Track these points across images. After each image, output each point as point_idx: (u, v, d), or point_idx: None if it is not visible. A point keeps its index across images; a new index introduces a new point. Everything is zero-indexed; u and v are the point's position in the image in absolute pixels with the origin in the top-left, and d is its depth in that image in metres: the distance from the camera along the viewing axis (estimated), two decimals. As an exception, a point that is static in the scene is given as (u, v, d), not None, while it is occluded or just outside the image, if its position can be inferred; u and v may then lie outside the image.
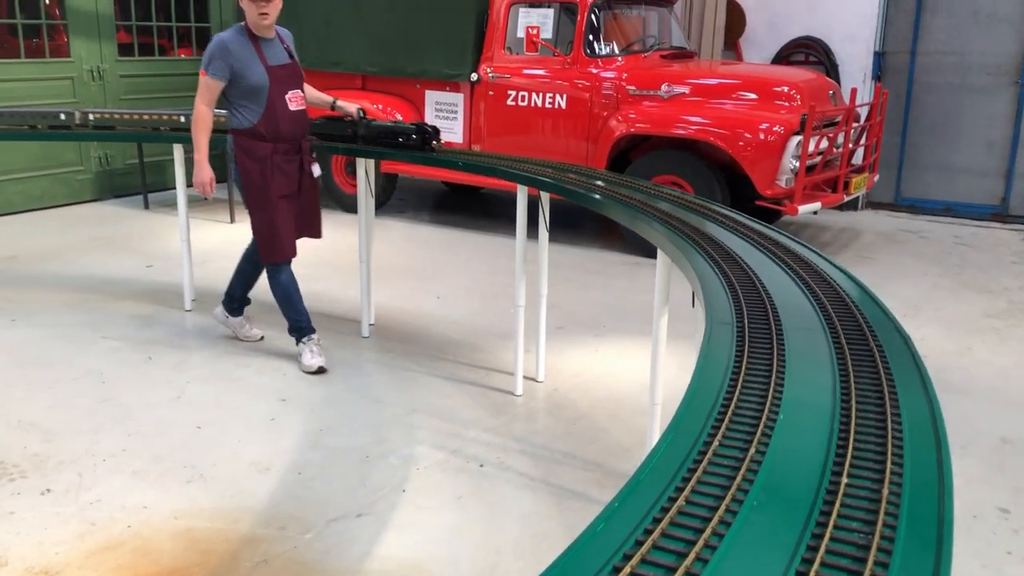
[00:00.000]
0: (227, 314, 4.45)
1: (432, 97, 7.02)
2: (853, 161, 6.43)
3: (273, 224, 3.97)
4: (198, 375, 4.08)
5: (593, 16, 6.36)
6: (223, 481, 3.11)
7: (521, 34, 6.51)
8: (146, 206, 7.54)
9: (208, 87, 3.86)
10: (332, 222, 7.13)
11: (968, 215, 7.66)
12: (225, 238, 6.59)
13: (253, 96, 3.85)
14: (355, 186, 4.76)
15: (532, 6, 6.54)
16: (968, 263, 6.24)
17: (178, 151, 4.84)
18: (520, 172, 3.73)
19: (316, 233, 4.24)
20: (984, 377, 4.19)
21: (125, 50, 7.84)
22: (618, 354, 4.45)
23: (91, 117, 5.01)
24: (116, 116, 5.11)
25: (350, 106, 4.35)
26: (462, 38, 6.71)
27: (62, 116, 5.01)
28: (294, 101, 3.94)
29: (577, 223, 7.15)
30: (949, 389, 4.04)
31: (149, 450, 3.32)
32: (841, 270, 2.20)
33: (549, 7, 6.48)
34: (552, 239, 4.11)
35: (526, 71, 6.54)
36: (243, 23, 3.88)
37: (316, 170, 4.13)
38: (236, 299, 4.41)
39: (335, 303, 5.09)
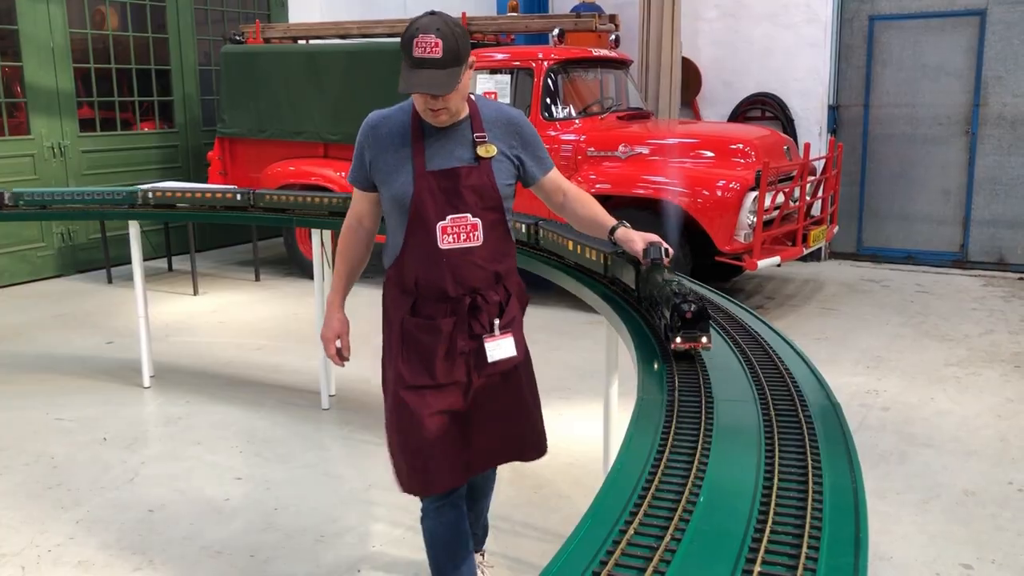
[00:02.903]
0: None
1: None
2: (811, 214, 6.51)
3: (392, 426, 2.43)
4: (153, 455, 3.99)
5: (549, 80, 6.45)
6: (173, 568, 3.03)
7: (479, 99, 6.57)
8: (109, 280, 7.47)
9: (354, 197, 2.49)
10: (295, 290, 7.12)
11: (929, 262, 7.76)
12: (188, 310, 6.54)
13: (397, 215, 2.36)
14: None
15: (490, 72, 6.63)
16: (930, 311, 6.29)
17: (133, 227, 4.81)
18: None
19: (515, 453, 2.52)
20: (946, 428, 4.19)
21: (87, 125, 7.84)
22: (582, 417, 4.41)
23: (151, 195, 4.79)
24: (177, 195, 4.79)
25: (637, 239, 2.38)
26: (422, 105, 6.77)
27: (124, 194, 4.84)
28: (453, 232, 2.29)
29: (544, 282, 7.14)
30: (912, 442, 4.04)
31: (97, 538, 3.23)
32: (779, 335, 2.20)
33: (505, 72, 6.57)
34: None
35: (486, 135, 6.58)
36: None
37: (503, 349, 2.37)
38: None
39: (296, 374, 5.03)
